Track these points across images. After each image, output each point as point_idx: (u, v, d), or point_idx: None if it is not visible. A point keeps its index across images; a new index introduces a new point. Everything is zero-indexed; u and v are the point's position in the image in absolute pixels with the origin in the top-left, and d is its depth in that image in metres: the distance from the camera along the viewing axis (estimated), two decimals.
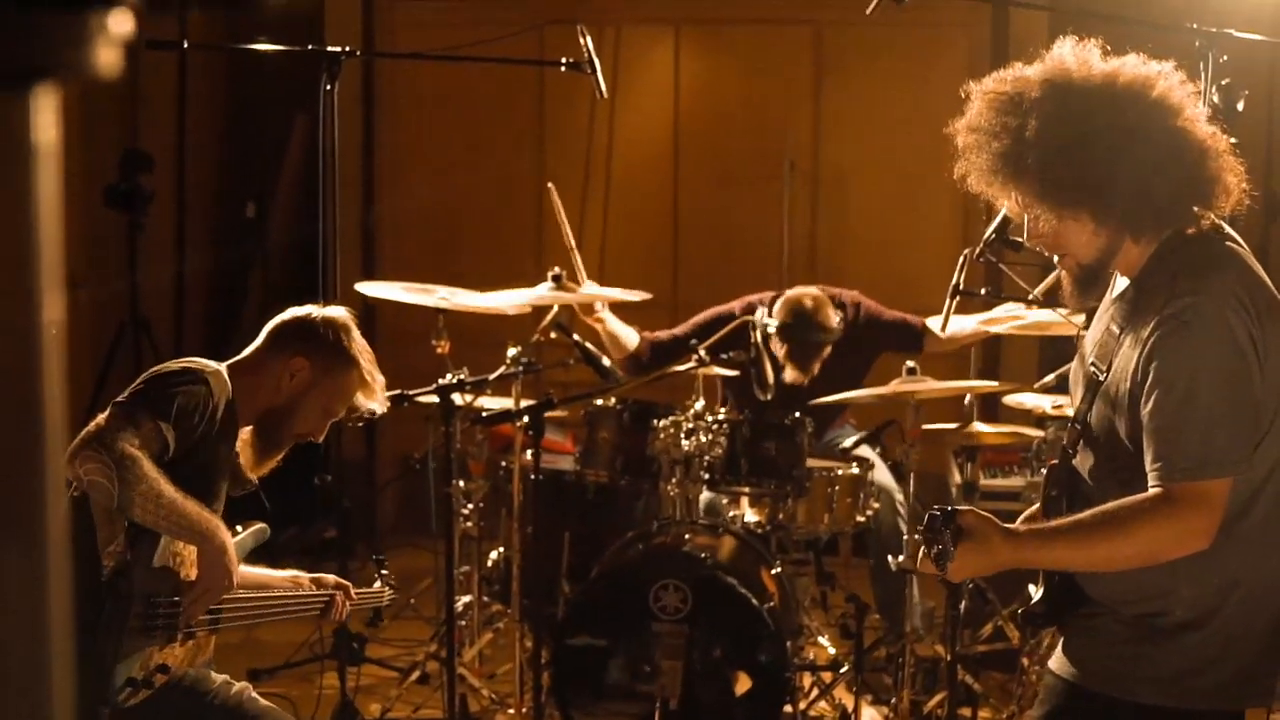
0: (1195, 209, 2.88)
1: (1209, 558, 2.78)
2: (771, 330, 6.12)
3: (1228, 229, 2.95)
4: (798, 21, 8.80)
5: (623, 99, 8.88)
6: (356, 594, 4.27)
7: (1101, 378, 2.91)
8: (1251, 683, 2.91)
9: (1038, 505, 3.12)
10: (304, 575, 4.15)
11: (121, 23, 1.06)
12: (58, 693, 1.11)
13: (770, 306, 6.23)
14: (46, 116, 1.09)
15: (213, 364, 3.75)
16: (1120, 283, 3.00)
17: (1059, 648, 3.07)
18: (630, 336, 6.26)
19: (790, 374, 6.15)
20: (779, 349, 6.13)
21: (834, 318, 6.15)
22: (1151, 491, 2.77)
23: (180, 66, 8.83)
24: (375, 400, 3.97)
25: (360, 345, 3.92)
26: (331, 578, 4.22)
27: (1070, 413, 3.11)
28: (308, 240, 5.66)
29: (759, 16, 8.90)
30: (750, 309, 6.33)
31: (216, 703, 3.78)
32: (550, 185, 6.22)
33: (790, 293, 6.27)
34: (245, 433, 3.87)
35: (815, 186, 8.83)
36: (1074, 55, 2.90)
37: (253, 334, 6.94)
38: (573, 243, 6.10)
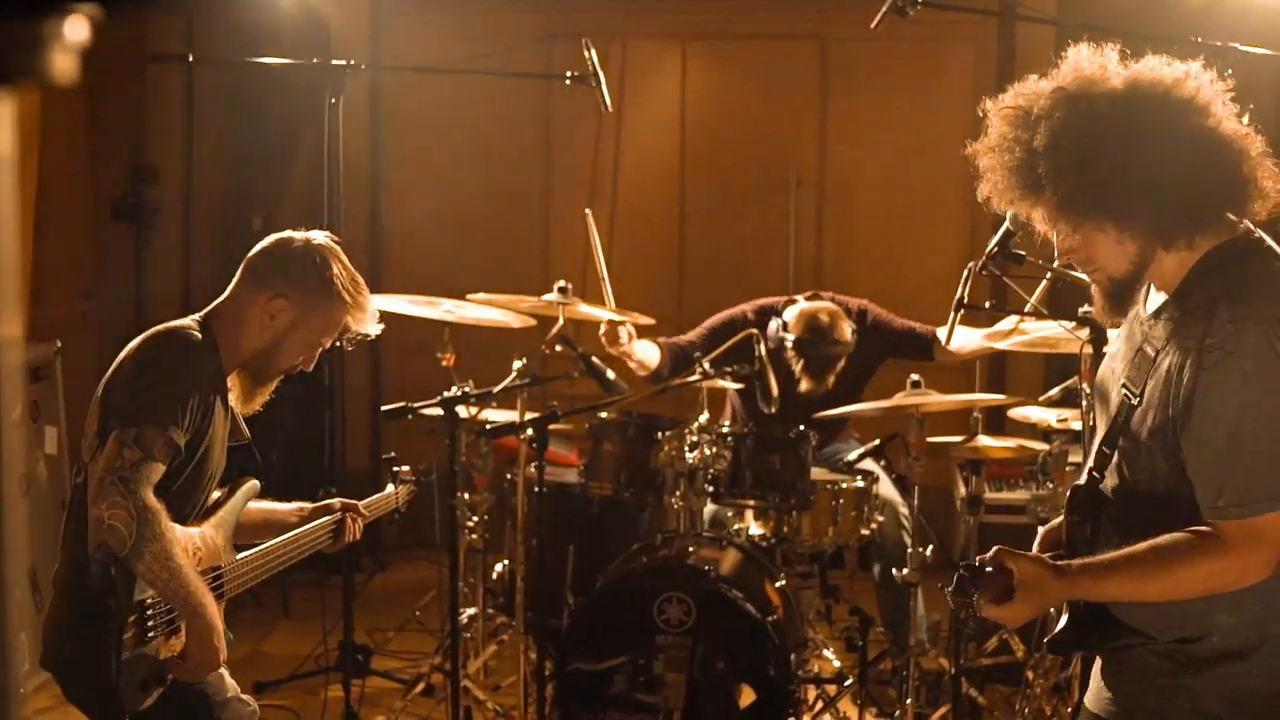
0: (1230, 215, 2.78)
1: (1248, 587, 2.73)
2: (788, 344, 6.18)
3: (1269, 240, 2.83)
4: (804, 36, 8.81)
5: (629, 113, 8.89)
6: (366, 506, 4.20)
7: (1135, 401, 2.82)
8: None
9: (1058, 520, 3.03)
10: (308, 505, 4.08)
11: (77, 29, 1.06)
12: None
13: (783, 313, 6.29)
14: (3, 125, 1.08)
15: (192, 325, 3.64)
16: (1155, 298, 2.90)
17: (1093, 683, 3.00)
18: (653, 354, 6.30)
19: (805, 385, 6.24)
20: (795, 361, 6.21)
21: (848, 331, 6.23)
22: (1204, 528, 2.70)
23: (187, 80, 8.86)
24: (366, 324, 3.82)
25: (343, 274, 3.75)
26: (338, 501, 4.13)
27: (1077, 426, 3.04)
28: None
29: (766, 31, 8.92)
30: (762, 312, 6.40)
31: (221, 718, 3.73)
32: (588, 211, 6.21)
33: (805, 306, 6.32)
34: (231, 376, 3.75)
35: (821, 200, 8.84)
36: (1088, 62, 2.80)
37: None
38: (605, 271, 6.10)
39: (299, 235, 3.80)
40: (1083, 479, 2.94)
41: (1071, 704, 5.13)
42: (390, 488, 4.48)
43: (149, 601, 3.47)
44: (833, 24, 8.66)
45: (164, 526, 3.39)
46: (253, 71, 8.47)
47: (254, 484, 3.88)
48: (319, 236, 3.81)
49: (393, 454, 4.67)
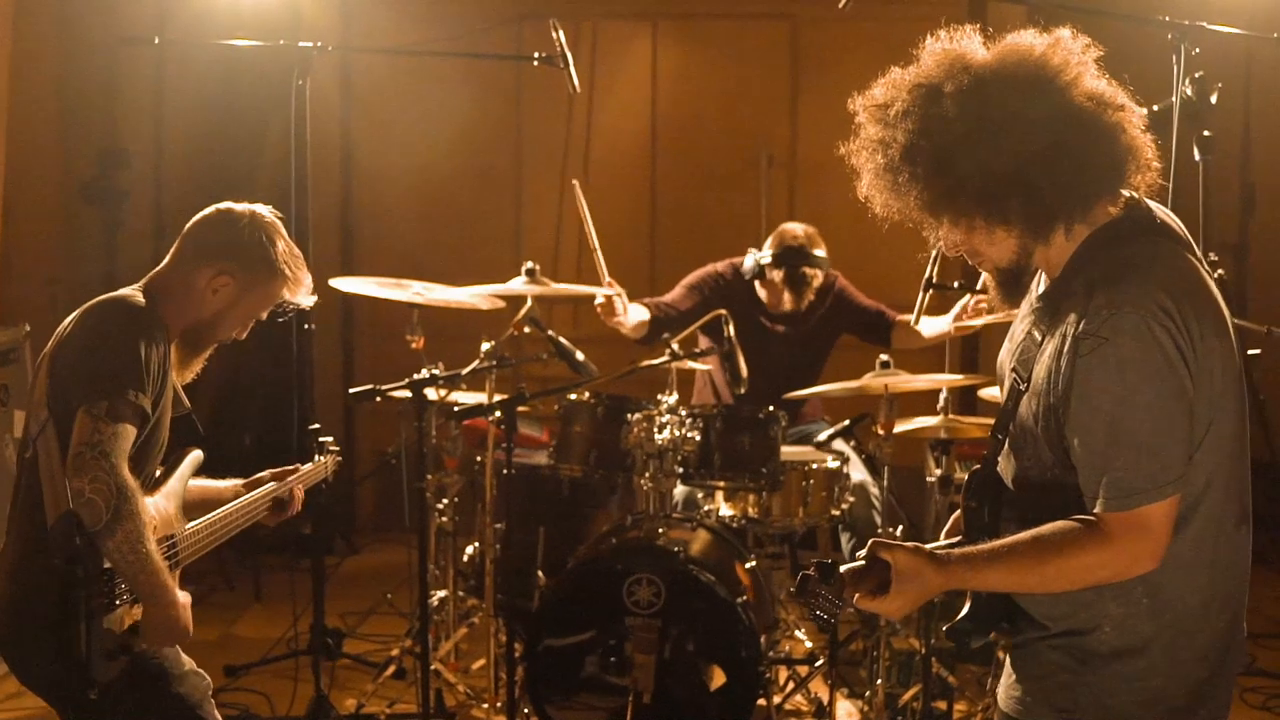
0: (1110, 192, 2.69)
1: (1135, 577, 2.65)
2: (765, 262, 6.37)
3: (1156, 210, 2.76)
4: (775, 16, 8.80)
5: (600, 93, 8.87)
6: (299, 482, 4.15)
7: (1023, 386, 2.75)
8: (1205, 705, 2.75)
9: (959, 514, 2.94)
10: (240, 480, 4.02)
11: None
12: None
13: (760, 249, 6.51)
14: None
15: (136, 295, 3.63)
16: (1044, 279, 2.82)
17: (1003, 682, 2.90)
18: (643, 314, 6.42)
19: (788, 302, 6.44)
20: (775, 275, 6.37)
21: (823, 248, 6.45)
22: (1088, 518, 2.62)
23: (158, 64, 8.81)
24: (301, 296, 3.83)
25: (286, 251, 3.76)
26: (268, 473, 4.08)
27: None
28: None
29: (736, 11, 8.91)
30: (736, 268, 6.49)
31: (179, 692, 3.70)
32: (575, 182, 6.18)
33: (782, 227, 6.56)
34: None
35: (793, 179, 8.84)
36: (944, 49, 2.71)
37: None
38: (596, 243, 6.08)
39: (242, 209, 3.79)
40: (980, 465, 2.86)
41: None
42: (318, 458, 4.44)
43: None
44: (803, 4, 8.66)
45: (140, 506, 3.39)
46: (224, 55, 8.41)
47: (198, 454, 3.85)
48: (263, 211, 3.80)
49: (317, 425, 4.64)
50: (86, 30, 8.23)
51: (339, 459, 4.57)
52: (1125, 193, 2.72)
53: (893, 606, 2.68)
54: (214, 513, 3.84)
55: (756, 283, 6.59)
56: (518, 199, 9.11)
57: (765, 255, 6.43)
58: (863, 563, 2.70)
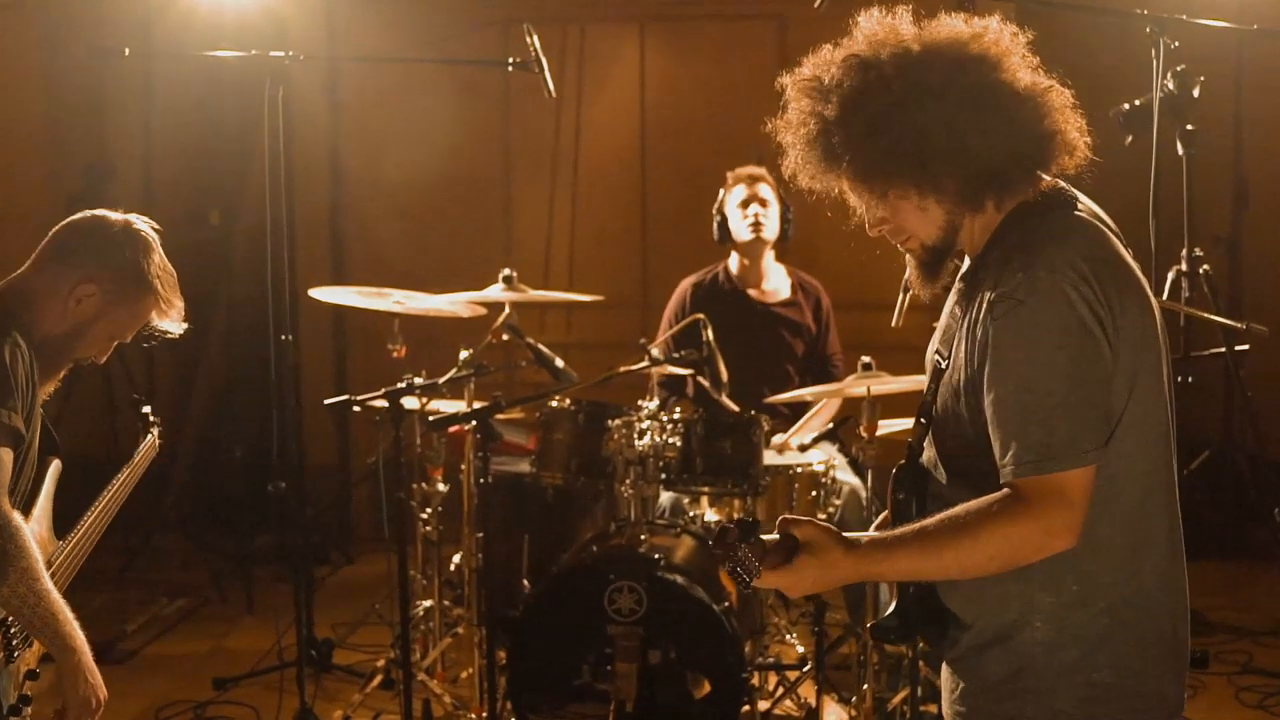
0: (1036, 167, 2.66)
1: (1061, 561, 2.54)
2: (737, 204, 6.58)
3: (1080, 197, 2.72)
4: (762, 15, 8.76)
5: (589, 96, 8.85)
6: (134, 471, 3.89)
7: (944, 365, 2.69)
8: (1162, 701, 2.67)
9: (887, 512, 2.84)
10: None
11: None
12: None
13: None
14: None
15: (4, 308, 3.35)
16: (967, 263, 2.77)
17: (944, 698, 2.81)
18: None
19: (755, 231, 6.58)
20: (745, 218, 6.56)
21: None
22: (1002, 490, 2.52)
23: (145, 76, 8.81)
24: (171, 321, 3.57)
25: (159, 267, 3.50)
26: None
27: None
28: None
29: (723, 11, 8.88)
30: (700, 275, 6.73)
31: None
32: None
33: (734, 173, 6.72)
34: None
35: (783, 179, 8.77)
36: (877, 25, 2.69)
37: (220, 342, 6.73)
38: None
39: (117, 217, 3.54)
40: (905, 456, 2.79)
41: None
42: (151, 436, 4.07)
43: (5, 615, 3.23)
44: (791, 2, 8.60)
45: (29, 541, 3.14)
46: (209, 65, 8.40)
47: (58, 464, 3.58)
48: (139, 221, 3.56)
49: (137, 395, 4.30)
50: (72, 41, 8.22)
51: (159, 435, 4.14)
52: (1047, 179, 2.69)
53: (791, 580, 2.62)
54: (81, 523, 3.59)
55: (732, 258, 6.65)
56: (507, 204, 9.08)
57: (731, 195, 6.61)
58: (776, 536, 2.62)
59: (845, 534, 2.62)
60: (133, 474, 3.90)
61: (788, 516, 2.65)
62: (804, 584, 2.62)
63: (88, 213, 3.54)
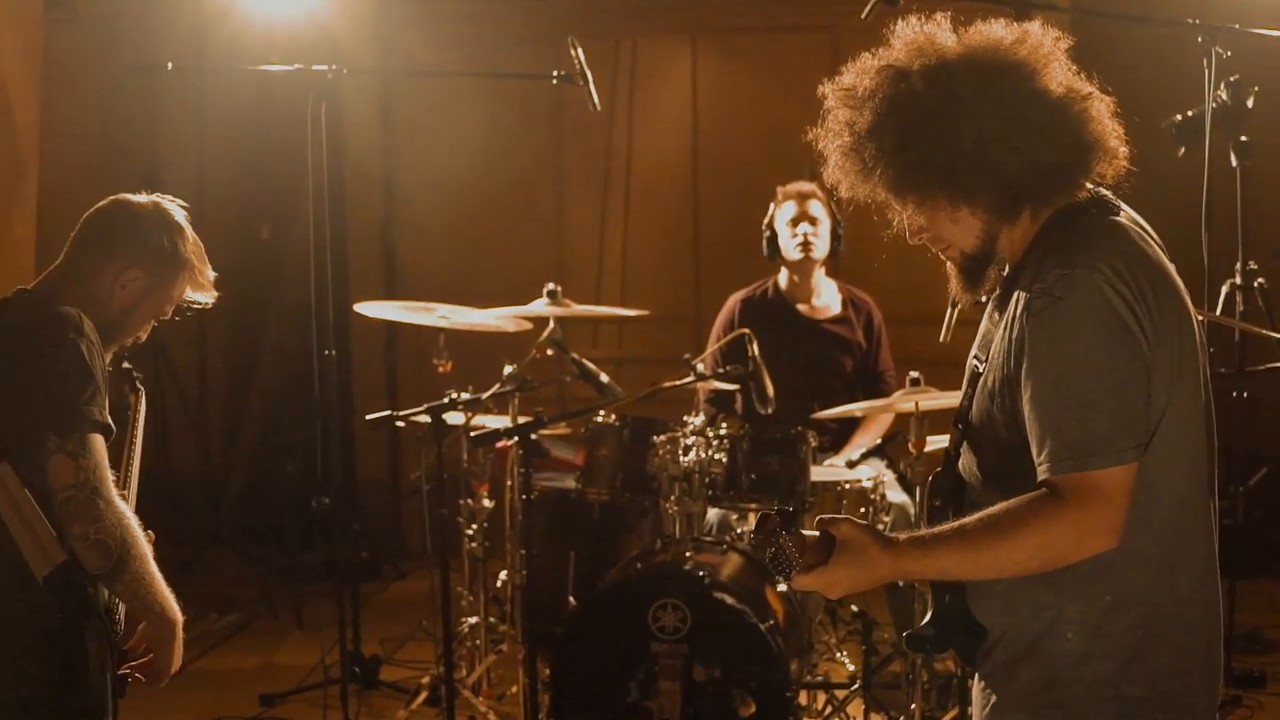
0: (1076, 177, 2.64)
1: (1095, 571, 2.52)
2: (787, 221, 6.56)
3: (1118, 204, 2.70)
4: (815, 28, 8.70)
5: (641, 110, 8.82)
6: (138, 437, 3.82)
7: (981, 370, 2.68)
8: (1193, 718, 2.63)
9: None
10: None
11: None
12: None
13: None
14: None
15: (53, 301, 3.36)
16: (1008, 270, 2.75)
17: (974, 715, 2.80)
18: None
19: (803, 249, 6.55)
20: (794, 236, 6.51)
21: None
22: (1039, 491, 2.50)
23: (197, 90, 8.84)
24: (203, 293, 3.62)
25: (193, 245, 3.56)
26: None
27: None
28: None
29: (776, 24, 8.82)
30: (748, 291, 6.70)
31: None
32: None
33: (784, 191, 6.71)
34: None
35: (836, 192, 8.71)
36: (913, 34, 2.67)
37: (272, 356, 6.68)
38: None
39: (144, 200, 3.58)
40: (941, 463, 2.77)
41: None
42: (140, 398, 3.95)
43: (113, 604, 3.37)
44: (844, 15, 8.50)
45: (139, 531, 3.27)
46: (262, 81, 8.43)
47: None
48: (165, 201, 3.59)
49: (127, 365, 4.28)
50: (124, 57, 8.25)
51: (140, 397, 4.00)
52: (1090, 186, 2.67)
53: (829, 579, 2.57)
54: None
55: (782, 273, 6.61)
56: (559, 219, 9.06)
57: (780, 212, 6.60)
58: (816, 533, 2.58)
59: (883, 532, 2.60)
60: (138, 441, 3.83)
61: (825, 516, 2.62)
62: (842, 583, 2.59)
63: (114, 199, 3.57)
